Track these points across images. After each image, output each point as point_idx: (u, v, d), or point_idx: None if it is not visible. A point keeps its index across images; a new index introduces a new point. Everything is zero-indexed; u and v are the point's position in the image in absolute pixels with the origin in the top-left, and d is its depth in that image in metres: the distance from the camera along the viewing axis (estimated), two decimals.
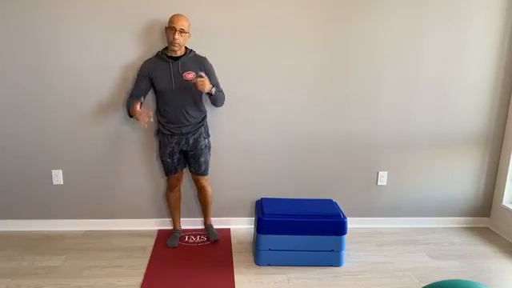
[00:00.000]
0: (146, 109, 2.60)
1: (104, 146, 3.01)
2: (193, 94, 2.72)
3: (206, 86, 2.57)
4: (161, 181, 3.11)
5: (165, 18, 2.79)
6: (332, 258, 2.70)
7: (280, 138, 3.13)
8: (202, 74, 2.59)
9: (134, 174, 3.08)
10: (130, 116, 2.73)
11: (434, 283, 1.67)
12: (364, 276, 2.63)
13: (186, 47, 2.72)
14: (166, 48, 2.70)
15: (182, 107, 2.71)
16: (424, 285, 2.45)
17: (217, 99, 2.74)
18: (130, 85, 2.90)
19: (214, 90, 2.65)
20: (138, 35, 2.83)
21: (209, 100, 2.77)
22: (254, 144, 3.12)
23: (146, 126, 2.61)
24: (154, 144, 3.03)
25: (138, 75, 2.74)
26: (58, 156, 3.01)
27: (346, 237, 2.71)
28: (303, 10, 2.91)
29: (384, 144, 3.21)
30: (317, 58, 3.00)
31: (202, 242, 3.01)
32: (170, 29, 2.58)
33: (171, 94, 2.68)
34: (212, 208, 3.13)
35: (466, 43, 3.07)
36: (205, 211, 3.09)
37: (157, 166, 3.08)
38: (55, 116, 2.93)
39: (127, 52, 2.85)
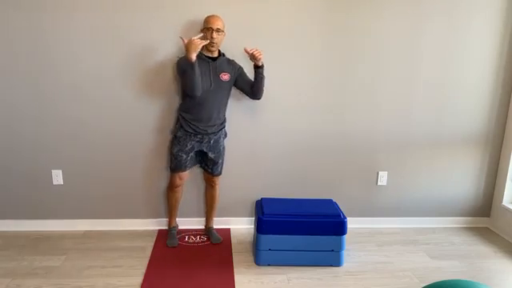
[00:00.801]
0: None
1: (104, 146, 3.01)
2: (227, 96, 2.80)
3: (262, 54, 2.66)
4: (161, 181, 3.11)
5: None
6: (332, 258, 2.70)
7: (280, 139, 3.13)
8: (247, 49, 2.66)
9: (134, 173, 3.08)
10: (191, 66, 2.55)
11: (434, 283, 1.67)
12: (364, 276, 2.63)
13: (219, 49, 2.76)
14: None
15: (216, 107, 2.76)
16: (424, 285, 2.45)
17: (263, 78, 2.77)
18: (131, 85, 2.90)
19: (262, 63, 2.72)
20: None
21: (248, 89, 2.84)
22: (254, 144, 3.12)
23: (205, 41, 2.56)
24: (155, 144, 3.03)
25: (184, 67, 2.61)
26: (57, 156, 3.01)
27: (346, 237, 2.71)
28: (302, 13, 2.91)
29: (384, 144, 3.21)
30: (316, 58, 3.00)
31: (201, 242, 3.01)
32: (207, 29, 2.62)
33: (207, 94, 2.70)
34: (216, 209, 3.13)
35: (465, 43, 3.07)
36: (210, 211, 3.09)
37: (157, 166, 3.07)
38: (55, 116, 2.93)
39: (130, 51, 2.85)
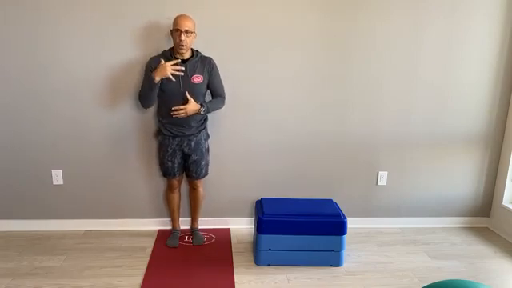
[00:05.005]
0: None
1: (104, 146, 3.01)
2: (198, 98, 2.71)
3: (190, 111, 2.63)
4: (161, 181, 3.11)
5: (163, 16, 2.80)
6: (332, 258, 2.70)
7: (280, 138, 3.13)
8: (181, 106, 2.62)
9: (134, 173, 3.08)
10: (151, 85, 2.59)
11: (434, 283, 1.67)
12: (364, 276, 2.63)
13: (192, 49, 2.70)
14: (173, 48, 2.67)
15: None
16: (424, 285, 2.45)
17: (209, 112, 2.77)
18: (130, 85, 2.91)
19: (202, 109, 2.67)
20: (140, 35, 2.84)
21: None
22: (254, 144, 3.12)
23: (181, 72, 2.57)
24: (154, 144, 3.03)
25: (148, 71, 2.65)
26: (58, 156, 3.01)
27: (345, 237, 2.70)
28: (302, 11, 2.91)
29: (384, 144, 3.21)
30: (316, 58, 3.00)
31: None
32: (176, 31, 2.55)
33: (177, 96, 2.65)
34: (201, 210, 3.09)
35: (466, 43, 3.07)
36: (195, 212, 3.05)
37: (157, 166, 3.07)
38: (55, 116, 2.93)
39: (127, 52, 2.85)
